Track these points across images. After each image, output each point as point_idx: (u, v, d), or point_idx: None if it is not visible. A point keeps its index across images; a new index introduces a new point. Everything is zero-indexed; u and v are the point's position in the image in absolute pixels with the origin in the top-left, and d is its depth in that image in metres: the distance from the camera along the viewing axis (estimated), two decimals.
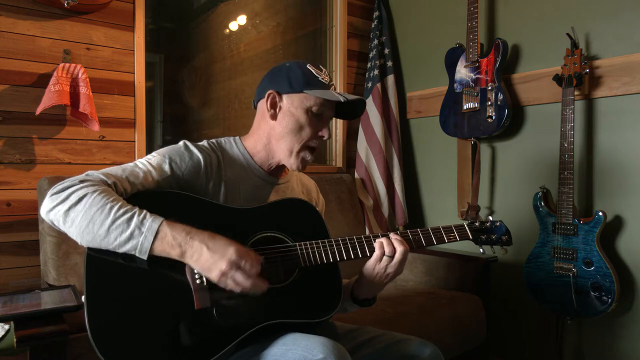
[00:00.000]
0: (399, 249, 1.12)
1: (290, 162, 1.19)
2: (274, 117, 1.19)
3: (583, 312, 1.84)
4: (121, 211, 0.95)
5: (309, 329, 1.06)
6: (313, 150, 1.20)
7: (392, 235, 1.15)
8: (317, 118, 1.18)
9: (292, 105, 1.17)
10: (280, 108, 1.18)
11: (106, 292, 0.95)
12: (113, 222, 0.94)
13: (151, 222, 0.96)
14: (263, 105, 1.21)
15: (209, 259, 0.95)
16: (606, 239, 1.90)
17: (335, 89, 1.20)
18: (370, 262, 1.14)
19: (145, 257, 0.95)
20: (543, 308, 2.00)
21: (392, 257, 1.12)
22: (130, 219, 0.95)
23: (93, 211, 0.94)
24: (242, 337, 0.99)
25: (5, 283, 1.69)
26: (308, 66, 1.18)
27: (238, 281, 0.96)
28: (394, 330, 1.26)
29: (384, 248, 1.12)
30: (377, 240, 1.14)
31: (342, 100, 1.13)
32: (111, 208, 0.95)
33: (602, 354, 1.96)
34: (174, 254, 0.96)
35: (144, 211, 0.97)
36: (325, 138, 1.19)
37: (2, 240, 1.71)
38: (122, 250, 0.95)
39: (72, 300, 1.20)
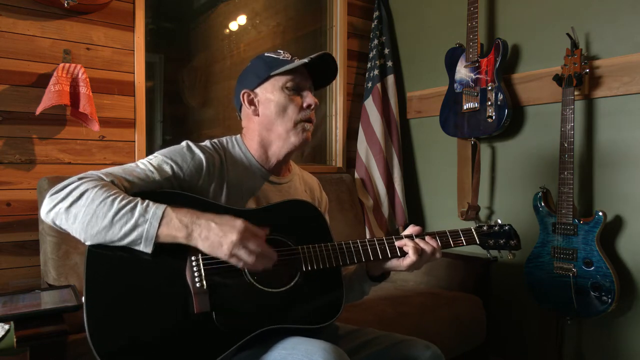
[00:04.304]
0: (428, 249, 1.13)
1: (292, 141, 1.19)
2: (256, 112, 1.21)
3: (583, 312, 1.84)
4: (124, 202, 0.95)
5: (310, 332, 1.05)
6: (309, 121, 1.20)
7: (427, 237, 1.15)
8: (295, 92, 1.18)
9: (267, 92, 1.18)
10: (258, 102, 1.20)
11: (106, 293, 0.95)
12: (116, 213, 0.93)
13: (155, 209, 0.95)
14: (245, 109, 1.23)
15: (219, 233, 0.95)
16: (606, 239, 1.90)
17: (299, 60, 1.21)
18: (403, 265, 1.13)
19: (151, 246, 0.94)
20: (543, 308, 2.00)
21: (422, 255, 1.13)
22: (134, 208, 0.94)
23: (95, 204, 0.94)
24: (242, 342, 0.98)
25: (5, 283, 1.69)
26: (266, 54, 1.21)
27: (251, 248, 0.95)
28: (394, 331, 1.26)
29: (419, 253, 1.12)
30: (409, 245, 1.12)
31: (307, 61, 1.15)
32: (113, 200, 0.94)
33: (602, 354, 1.96)
34: (180, 236, 0.95)
35: (147, 200, 0.97)
36: (312, 106, 1.19)
37: (2, 240, 1.71)
38: (128, 240, 0.94)
39: (72, 300, 1.20)
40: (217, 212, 1.08)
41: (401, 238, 1.14)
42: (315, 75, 1.24)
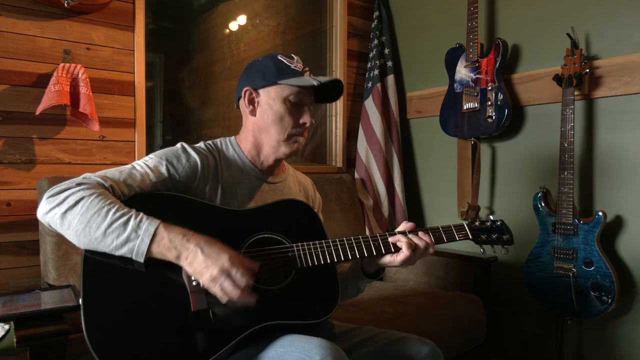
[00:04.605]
0: (422, 244, 1.14)
1: (282, 150, 1.20)
2: (253, 112, 1.21)
3: (583, 312, 1.84)
4: (118, 214, 0.95)
5: (306, 330, 1.06)
6: (302, 134, 1.21)
7: (420, 233, 1.16)
8: (296, 106, 1.18)
9: (269, 97, 1.18)
10: (258, 103, 1.20)
11: (103, 293, 0.95)
12: (110, 225, 0.94)
13: (148, 225, 0.95)
14: (243, 104, 1.23)
15: (202, 263, 0.95)
16: (606, 239, 1.90)
17: (310, 74, 1.20)
18: (397, 261, 1.13)
19: (142, 260, 0.95)
20: (543, 308, 2.00)
21: (415, 250, 1.13)
22: (127, 222, 0.94)
23: (90, 214, 0.94)
24: (239, 339, 0.99)
25: (5, 283, 1.69)
26: (279, 56, 1.19)
27: (226, 290, 0.94)
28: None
29: (412, 248, 1.12)
30: (402, 241, 1.12)
31: (316, 84, 1.14)
32: (108, 211, 0.95)
33: (602, 354, 1.96)
34: (170, 256, 0.96)
35: (141, 214, 0.97)
36: (307, 125, 1.19)
37: (2, 240, 1.71)
38: (119, 253, 0.95)
39: (72, 300, 1.20)
40: (212, 214, 1.10)
41: (394, 234, 1.15)
42: (318, 91, 1.24)
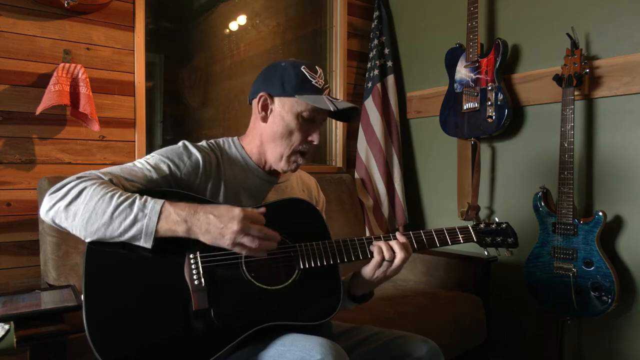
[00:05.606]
0: (399, 255, 1.11)
1: (281, 166, 1.19)
2: (264, 119, 1.19)
3: (583, 312, 1.84)
4: (122, 198, 0.95)
5: (308, 329, 1.06)
6: (304, 154, 1.20)
7: (396, 238, 1.14)
8: (308, 123, 1.17)
9: (283, 109, 1.16)
10: (271, 111, 1.18)
11: (105, 292, 0.95)
12: (115, 208, 0.94)
13: (153, 204, 0.96)
14: (255, 108, 1.21)
15: (219, 224, 0.96)
16: (606, 239, 1.90)
17: (329, 92, 1.19)
18: (369, 268, 1.14)
19: (151, 241, 0.95)
20: (543, 308, 2.00)
21: (391, 261, 1.12)
22: (132, 203, 0.95)
23: (94, 201, 0.94)
24: (240, 339, 0.99)
25: (5, 283, 1.69)
26: (302, 68, 1.16)
27: (254, 234, 0.96)
28: None
29: (383, 254, 1.11)
30: (375, 245, 1.13)
31: (332, 110, 1.12)
32: (112, 196, 0.95)
33: (602, 354, 1.96)
34: (180, 230, 0.96)
35: (145, 195, 0.98)
36: (315, 143, 1.18)
37: (2, 240, 1.71)
38: (127, 236, 0.95)
39: (72, 300, 1.20)
40: None
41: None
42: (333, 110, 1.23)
